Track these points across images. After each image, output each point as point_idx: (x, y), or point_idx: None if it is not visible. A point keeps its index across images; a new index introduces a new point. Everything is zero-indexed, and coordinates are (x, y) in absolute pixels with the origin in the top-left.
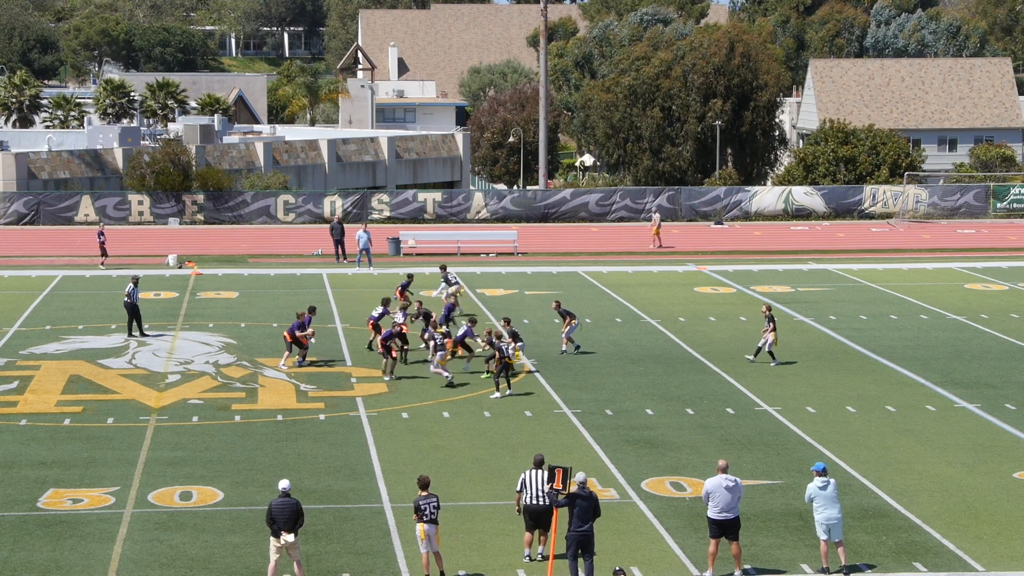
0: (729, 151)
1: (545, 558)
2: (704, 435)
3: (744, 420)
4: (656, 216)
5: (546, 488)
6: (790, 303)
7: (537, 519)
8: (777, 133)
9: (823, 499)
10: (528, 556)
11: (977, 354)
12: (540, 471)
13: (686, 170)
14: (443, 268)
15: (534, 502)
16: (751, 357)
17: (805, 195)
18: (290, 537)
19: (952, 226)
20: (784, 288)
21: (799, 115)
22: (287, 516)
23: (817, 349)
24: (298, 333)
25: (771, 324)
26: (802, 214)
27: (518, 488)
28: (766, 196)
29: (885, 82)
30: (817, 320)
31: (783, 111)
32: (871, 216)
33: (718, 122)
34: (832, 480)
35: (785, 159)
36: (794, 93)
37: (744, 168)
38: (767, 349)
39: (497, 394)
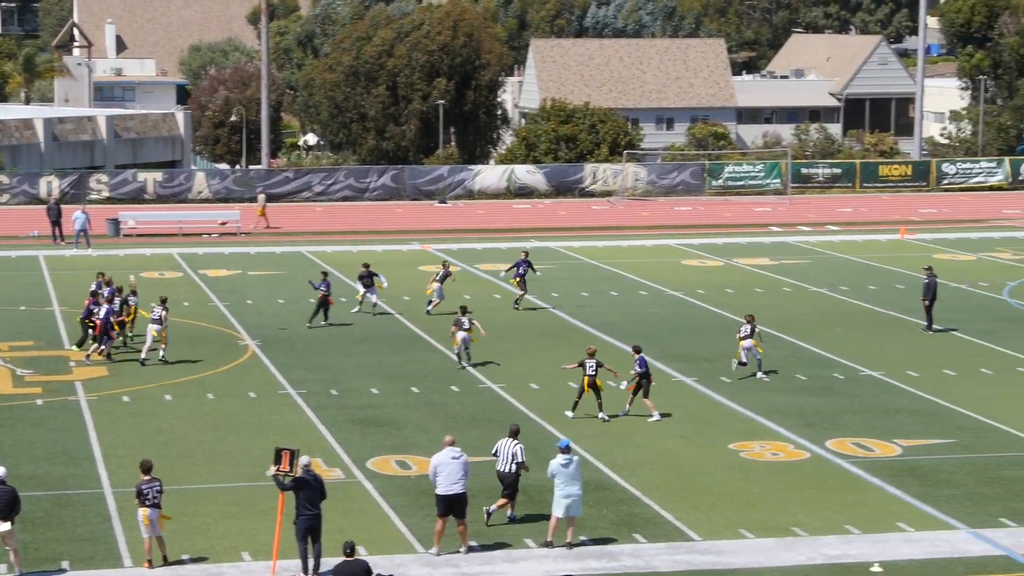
0: (452, 130)
1: (513, 520)
2: (429, 413)
3: (469, 397)
4: (261, 196)
5: (271, 471)
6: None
7: (508, 486)
8: (500, 112)
9: (565, 476)
10: (488, 512)
11: (694, 328)
12: (515, 440)
13: (410, 149)
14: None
15: (504, 469)
16: (764, 377)
17: (527, 173)
18: (6, 525)
19: (670, 204)
20: (506, 265)
21: (521, 94)
22: (2, 504)
23: (540, 327)
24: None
25: (750, 330)
26: (524, 192)
27: (493, 452)
28: (489, 175)
29: (604, 62)
30: (540, 298)
31: (505, 90)
32: (592, 194)
33: (442, 101)
34: (575, 458)
35: (508, 138)
36: (516, 72)
37: (467, 147)
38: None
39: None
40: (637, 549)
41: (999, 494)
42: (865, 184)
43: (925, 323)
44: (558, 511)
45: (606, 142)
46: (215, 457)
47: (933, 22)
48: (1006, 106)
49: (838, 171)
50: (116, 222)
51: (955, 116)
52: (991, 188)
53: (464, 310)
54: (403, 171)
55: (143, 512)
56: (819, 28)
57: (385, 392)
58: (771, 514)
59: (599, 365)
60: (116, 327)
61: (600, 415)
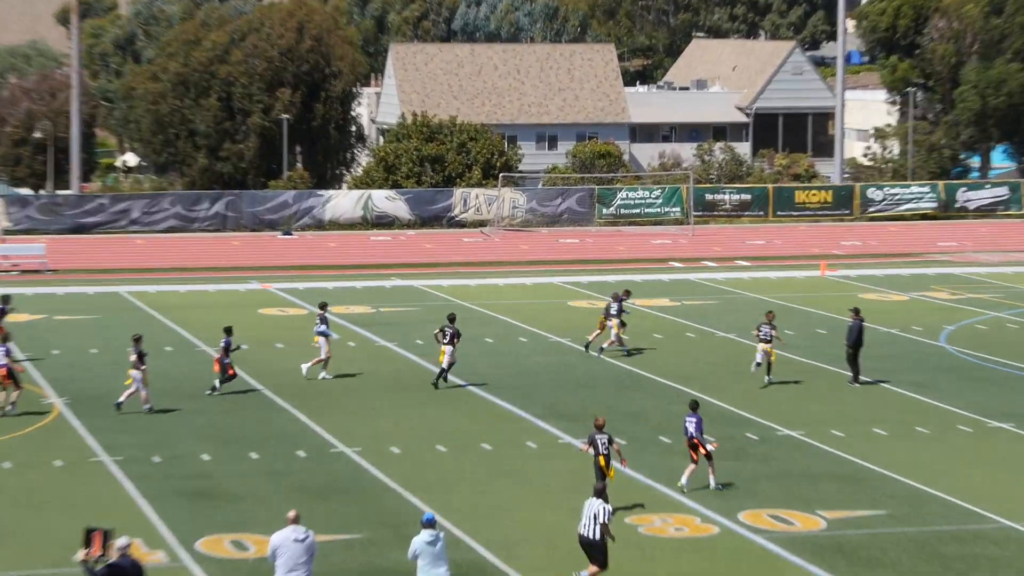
0: (299, 149)
1: None
2: (271, 483)
3: (318, 464)
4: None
5: (79, 556)
6: (370, 325)
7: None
8: (354, 128)
9: (430, 556)
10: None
11: (584, 382)
12: (599, 500)
13: (249, 172)
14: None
15: (586, 534)
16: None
17: (387, 200)
18: None
19: (554, 235)
20: (364, 308)
21: (379, 108)
22: None
23: (403, 379)
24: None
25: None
26: (384, 222)
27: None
28: (342, 201)
29: (476, 70)
30: (402, 345)
31: (361, 103)
32: (462, 224)
33: (286, 116)
34: (442, 534)
35: (364, 159)
36: (373, 82)
37: (317, 169)
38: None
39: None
40: None
41: (939, 573)
42: (779, 212)
43: (851, 374)
44: None
45: (478, 163)
46: (11, 539)
47: (853, 26)
48: (939, 123)
49: (747, 197)
50: None
51: (880, 134)
52: (923, 216)
53: (452, 319)
54: (240, 197)
55: None
56: (724, 33)
57: (218, 459)
58: None
59: (611, 441)
60: None
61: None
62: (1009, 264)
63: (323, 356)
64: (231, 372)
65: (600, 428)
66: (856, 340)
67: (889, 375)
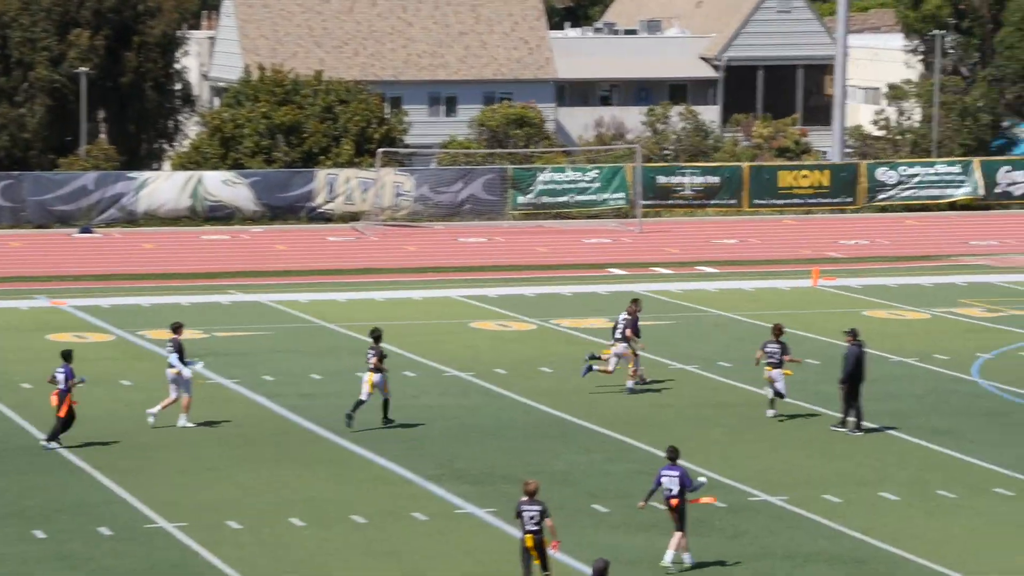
0: (103, 115)
1: None
2: (64, 572)
3: (128, 545)
4: None
5: None
6: (201, 356)
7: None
8: (179, 86)
9: None
10: None
11: (491, 430)
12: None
13: (33, 146)
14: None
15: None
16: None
17: (224, 185)
18: None
19: (452, 232)
20: (193, 333)
21: (213, 59)
22: None
23: (255, 429)
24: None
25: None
26: (221, 215)
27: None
28: (163, 186)
29: (346, 7)
30: (247, 383)
31: (187, 52)
32: (328, 218)
33: (84, 68)
34: None
35: (192, 128)
36: (205, 24)
37: (127, 142)
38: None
39: None
40: None
41: None
42: (757, 201)
43: (847, 418)
44: None
45: (350, 135)
46: None
47: None
48: (975, 78)
49: (715, 180)
50: None
51: (896, 93)
52: (952, 206)
53: (376, 336)
54: (21, 181)
55: None
56: None
57: None
58: None
59: (543, 514)
60: None
61: None
62: None
63: (173, 397)
64: (63, 414)
65: (532, 496)
66: (853, 371)
67: (903, 420)
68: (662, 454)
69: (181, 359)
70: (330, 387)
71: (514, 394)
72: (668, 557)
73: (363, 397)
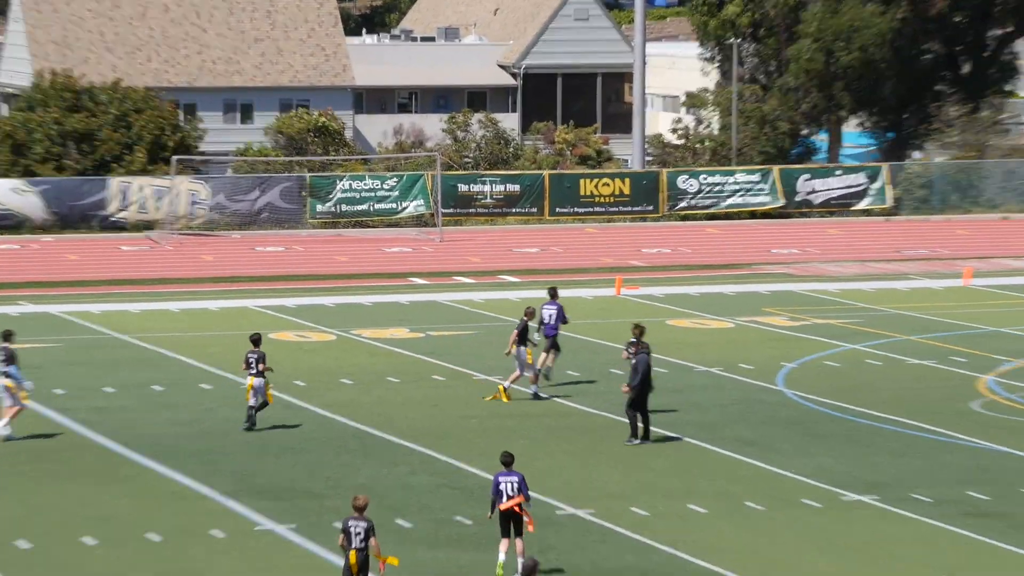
0: None
1: None
2: None
3: None
4: None
5: None
6: None
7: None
8: None
9: None
10: None
11: (291, 444)
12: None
13: None
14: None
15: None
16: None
17: (13, 193)
18: None
19: (249, 241)
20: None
21: (1, 64)
22: None
23: (44, 444)
24: None
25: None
26: (9, 223)
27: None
28: None
29: (139, 12)
30: (36, 396)
31: None
32: (122, 227)
33: None
34: None
35: None
36: None
37: None
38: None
39: None
40: None
41: None
42: (559, 209)
43: (640, 424)
44: None
45: (144, 142)
46: None
47: None
48: (772, 87)
49: (516, 189)
50: None
51: (694, 101)
52: (753, 214)
53: (255, 340)
54: None
55: None
56: None
57: None
58: None
59: (370, 531)
60: None
61: None
62: (867, 278)
63: (7, 405)
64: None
65: (360, 511)
66: (638, 378)
67: (709, 430)
68: (465, 466)
69: (14, 367)
70: (123, 400)
71: (314, 407)
72: (502, 555)
73: (252, 403)
